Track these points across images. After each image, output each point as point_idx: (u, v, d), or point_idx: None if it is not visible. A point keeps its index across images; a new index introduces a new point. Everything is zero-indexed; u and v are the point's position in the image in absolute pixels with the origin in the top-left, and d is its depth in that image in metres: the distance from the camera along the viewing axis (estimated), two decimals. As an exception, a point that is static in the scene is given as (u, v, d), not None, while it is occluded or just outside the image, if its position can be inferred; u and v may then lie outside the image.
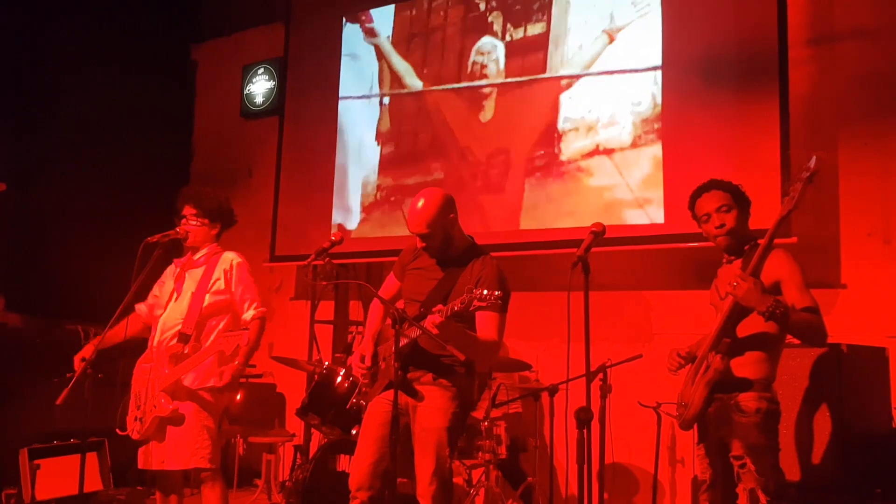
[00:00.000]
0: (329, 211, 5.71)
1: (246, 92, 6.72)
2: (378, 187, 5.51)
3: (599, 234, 2.76)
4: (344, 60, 5.87)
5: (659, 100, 4.45)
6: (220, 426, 3.37)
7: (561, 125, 4.76)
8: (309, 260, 3.04)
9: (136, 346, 3.55)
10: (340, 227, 5.60)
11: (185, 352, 3.26)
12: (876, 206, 4.10)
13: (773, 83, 4.06)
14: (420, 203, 2.95)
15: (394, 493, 2.79)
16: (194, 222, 3.47)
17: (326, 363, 4.15)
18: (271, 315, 6.23)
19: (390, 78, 5.59)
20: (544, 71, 4.86)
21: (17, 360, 4.83)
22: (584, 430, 2.65)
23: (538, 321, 4.72)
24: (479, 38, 5.17)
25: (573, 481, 3.59)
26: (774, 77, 4.06)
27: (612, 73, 4.62)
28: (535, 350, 4.69)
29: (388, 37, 5.63)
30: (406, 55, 5.51)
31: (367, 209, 5.55)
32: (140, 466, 3.37)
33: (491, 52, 5.13)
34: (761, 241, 2.63)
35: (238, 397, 5.44)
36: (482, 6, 5.21)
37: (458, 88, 5.23)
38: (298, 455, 4.87)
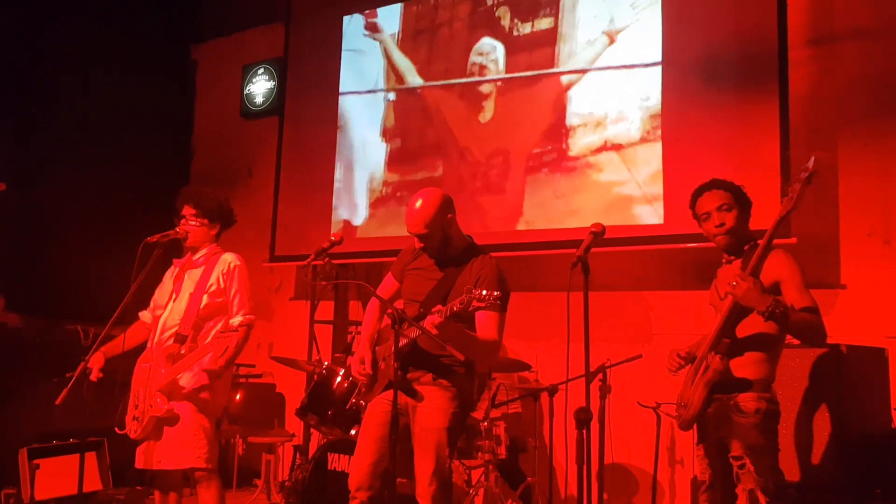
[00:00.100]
0: (329, 211, 5.71)
1: (246, 92, 6.72)
2: (384, 183, 5.50)
3: (599, 235, 2.76)
4: (348, 56, 5.85)
5: (667, 95, 4.44)
6: (217, 426, 3.38)
7: (569, 120, 4.74)
8: (309, 260, 3.04)
9: (137, 346, 3.56)
10: (346, 223, 5.60)
11: (182, 352, 3.26)
12: (876, 206, 4.10)
13: (773, 83, 4.05)
14: (418, 203, 2.95)
15: (393, 493, 2.79)
16: (193, 222, 3.47)
17: (326, 363, 4.15)
18: (271, 315, 6.31)
19: (394, 75, 5.59)
20: (552, 66, 4.84)
21: (17, 360, 4.84)
22: (584, 431, 2.65)
23: (538, 321, 4.72)
24: (486, 34, 5.15)
25: (572, 482, 3.59)
26: (774, 77, 4.06)
27: (619, 68, 4.60)
28: (534, 350, 4.69)
29: (394, 34, 5.62)
30: (412, 51, 5.50)
31: (373, 205, 5.54)
32: (137, 466, 3.38)
33: (490, 52, 5.12)
34: (761, 242, 2.63)
35: (238, 397, 5.46)
36: (489, 1, 5.19)
37: (458, 90, 5.21)
38: (298, 455, 4.88)
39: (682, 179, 4.01)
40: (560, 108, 4.79)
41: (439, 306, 2.74)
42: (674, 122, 4.39)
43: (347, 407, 3.69)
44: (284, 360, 4.59)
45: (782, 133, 4.00)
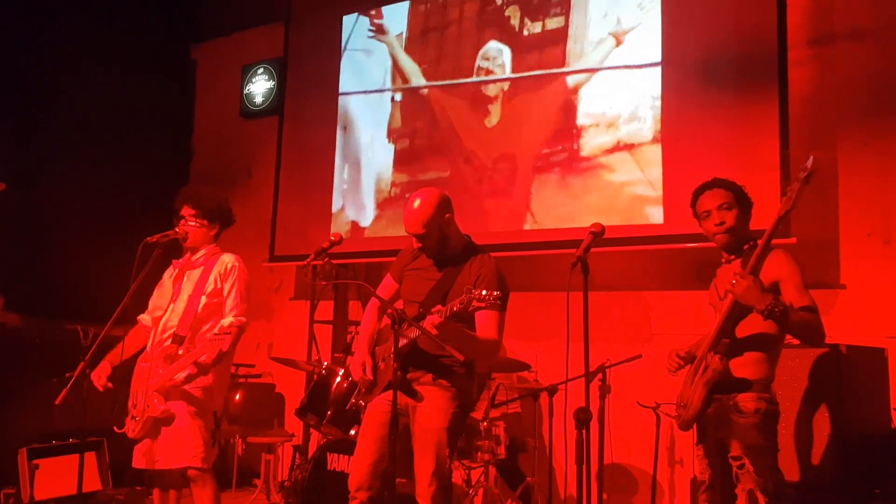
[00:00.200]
0: (329, 211, 5.71)
1: (246, 92, 6.72)
2: (392, 184, 5.49)
3: (598, 235, 2.76)
4: (351, 56, 5.85)
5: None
6: (216, 426, 3.38)
7: (580, 120, 4.71)
8: (308, 260, 3.04)
9: (137, 352, 3.56)
10: (354, 224, 5.59)
11: (179, 353, 3.26)
12: (876, 206, 4.09)
13: (773, 83, 4.05)
14: (416, 203, 2.95)
15: (393, 493, 2.79)
16: (193, 223, 3.47)
17: (326, 363, 4.15)
18: (271, 315, 6.31)
19: (400, 77, 5.58)
20: (562, 66, 4.81)
21: (17, 360, 4.84)
22: (583, 431, 2.66)
23: (537, 321, 4.72)
24: (495, 33, 5.12)
25: (572, 482, 3.59)
26: (774, 77, 4.05)
27: (631, 67, 4.58)
28: (534, 350, 4.69)
29: (400, 34, 5.60)
30: (419, 52, 5.47)
31: (381, 206, 5.52)
32: (134, 465, 3.38)
33: (496, 57, 5.09)
34: (760, 241, 2.63)
35: (237, 397, 5.46)
36: (499, 0, 5.17)
37: (464, 94, 5.19)
38: (297, 455, 4.88)
39: (682, 179, 4.00)
40: (570, 108, 4.76)
41: (439, 306, 2.74)
42: (673, 121, 4.38)
43: (347, 407, 3.69)
44: (284, 361, 4.59)
45: (782, 133, 4.00)
